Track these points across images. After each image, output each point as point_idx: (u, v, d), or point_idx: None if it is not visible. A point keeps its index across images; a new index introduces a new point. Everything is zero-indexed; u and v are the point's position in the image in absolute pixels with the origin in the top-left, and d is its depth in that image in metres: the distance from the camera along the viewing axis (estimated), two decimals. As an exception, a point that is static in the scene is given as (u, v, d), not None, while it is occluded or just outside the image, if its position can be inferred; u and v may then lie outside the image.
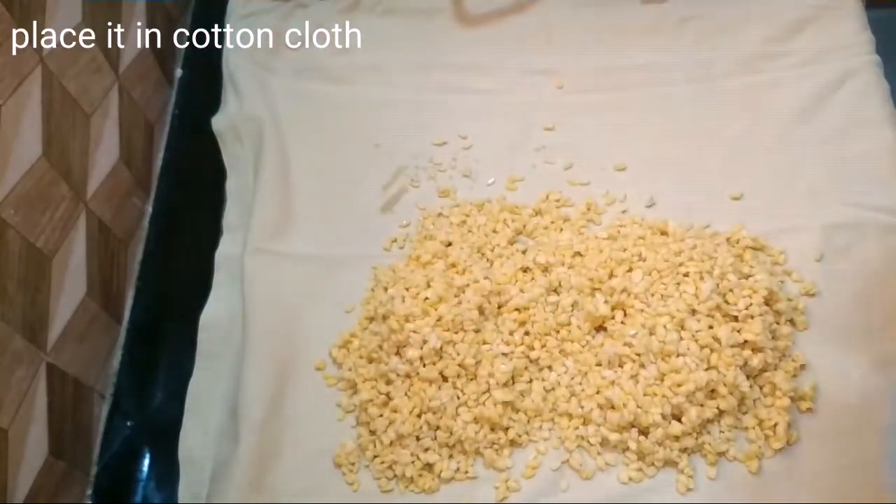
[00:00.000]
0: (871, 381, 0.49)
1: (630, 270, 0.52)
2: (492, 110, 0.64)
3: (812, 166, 0.58)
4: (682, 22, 0.67)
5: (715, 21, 0.67)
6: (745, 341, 0.49)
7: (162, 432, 0.52)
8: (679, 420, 0.48)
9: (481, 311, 0.52)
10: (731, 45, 0.65)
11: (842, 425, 0.48)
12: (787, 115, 0.60)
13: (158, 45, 0.69)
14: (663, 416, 0.48)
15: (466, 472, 0.48)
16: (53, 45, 0.52)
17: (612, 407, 0.49)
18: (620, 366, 0.50)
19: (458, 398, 0.50)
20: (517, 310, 0.52)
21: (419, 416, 0.49)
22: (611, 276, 0.52)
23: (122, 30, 0.63)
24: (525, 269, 0.54)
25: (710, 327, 0.50)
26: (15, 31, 0.47)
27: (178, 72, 0.71)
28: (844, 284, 0.53)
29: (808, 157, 0.58)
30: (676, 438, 0.48)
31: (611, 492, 0.48)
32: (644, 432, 0.48)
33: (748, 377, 0.49)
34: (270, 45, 0.68)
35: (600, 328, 0.52)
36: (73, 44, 0.55)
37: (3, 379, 0.45)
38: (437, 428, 0.49)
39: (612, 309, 0.51)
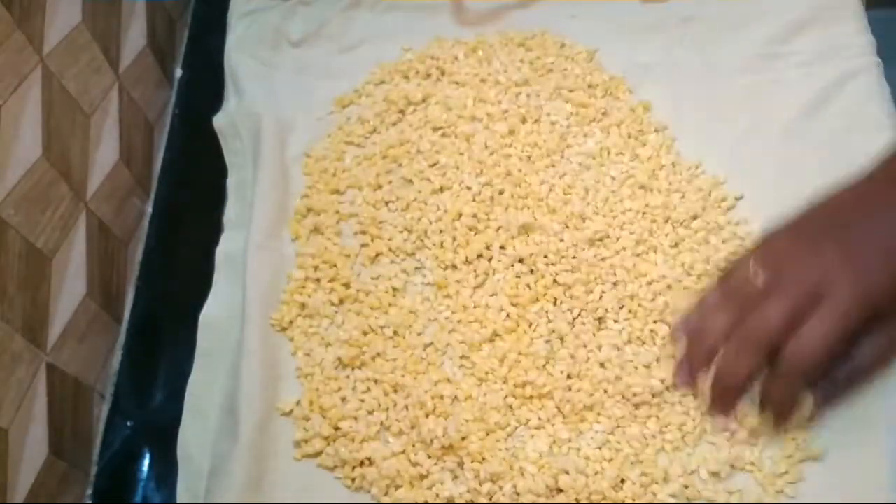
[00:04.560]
0: (870, 381, 0.49)
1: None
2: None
3: (812, 167, 0.57)
4: (684, 22, 0.67)
5: (716, 21, 0.67)
6: None
7: (162, 432, 0.52)
8: None
9: None
10: (732, 46, 0.65)
11: (841, 425, 0.48)
12: (787, 116, 0.60)
13: (158, 45, 0.69)
14: None
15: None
16: (53, 45, 0.52)
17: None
18: None
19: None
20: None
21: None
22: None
23: (123, 30, 0.63)
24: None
25: None
26: (15, 31, 0.47)
27: (178, 72, 0.71)
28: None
29: (809, 159, 0.58)
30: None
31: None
32: None
33: None
34: (272, 43, 0.68)
35: None
36: (73, 44, 0.55)
37: (3, 379, 0.45)
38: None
39: None
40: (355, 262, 0.56)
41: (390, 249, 0.56)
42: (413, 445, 0.49)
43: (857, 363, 0.46)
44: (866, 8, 0.65)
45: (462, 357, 0.51)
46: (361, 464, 0.49)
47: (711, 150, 0.60)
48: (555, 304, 0.53)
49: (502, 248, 0.55)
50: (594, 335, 0.51)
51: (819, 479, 0.47)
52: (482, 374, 0.51)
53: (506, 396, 0.50)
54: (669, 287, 0.52)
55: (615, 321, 0.52)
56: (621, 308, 0.52)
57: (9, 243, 0.46)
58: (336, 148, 0.62)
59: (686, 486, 0.46)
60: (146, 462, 0.52)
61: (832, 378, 0.46)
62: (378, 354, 0.52)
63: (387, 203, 0.58)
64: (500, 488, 0.47)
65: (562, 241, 0.54)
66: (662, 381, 0.49)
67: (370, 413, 0.50)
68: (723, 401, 0.47)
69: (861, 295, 0.44)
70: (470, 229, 0.56)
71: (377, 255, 0.56)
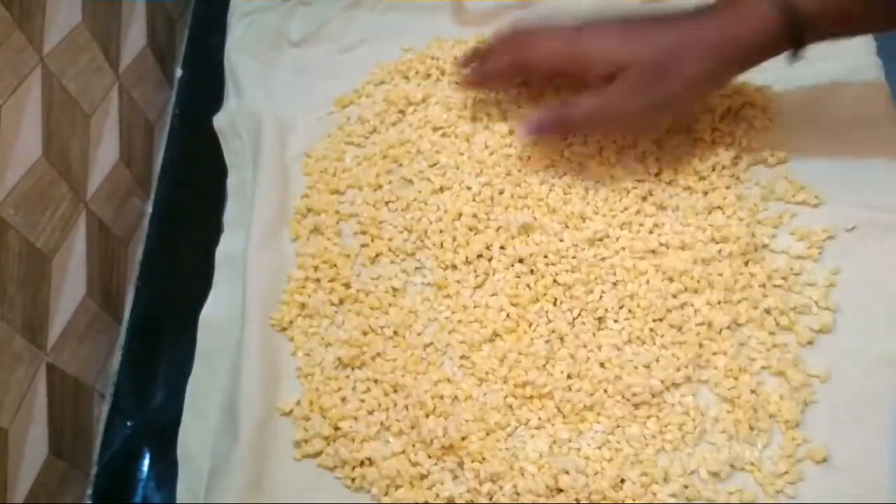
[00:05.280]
0: (871, 381, 0.49)
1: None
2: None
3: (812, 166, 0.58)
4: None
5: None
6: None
7: (162, 432, 0.52)
8: None
9: None
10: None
11: (842, 425, 0.48)
12: (788, 115, 0.60)
13: (158, 45, 0.69)
14: None
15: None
16: (53, 45, 0.52)
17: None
18: None
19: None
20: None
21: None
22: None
23: (123, 30, 0.63)
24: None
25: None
26: (15, 31, 0.47)
27: (178, 72, 0.71)
28: (845, 284, 0.53)
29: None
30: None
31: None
32: None
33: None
34: (272, 43, 0.69)
35: None
36: (73, 44, 0.55)
37: (3, 379, 0.45)
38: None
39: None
40: (355, 262, 0.56)
41: (390, 249, 0.56)
42: (413, 445, 0.49)
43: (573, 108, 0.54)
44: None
45: (462, 357, 0.52)
46: (361, 464, 0.49)
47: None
48: (555, 304, 0.53)
49: (502, 248, 0.55)
50: (594, 335, 0.51)
51: (819, 479, 0.47)
52: (482, 374, 0.51)
53: (506, 396, 0.50)
54: (696, 292, 0.52)
55: (615, 321, 0.52)
56: (621, 308, 0.52)
57: (9, 243, 0.46)
58: (336, 148, 0.62)
59: (686, 486, 0.47)
60: (146, 462, 0.52)
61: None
62: (378, 354, 0.52)
63: (387, 203, 0.58)
64: (501, 488, 0.47)
65: (562, 241, 0.54)
66: (662, 382, 0.49)
67: (370, 413, 0.50)
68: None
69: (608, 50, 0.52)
70: (470, 229, 0.56)
71: (377, 255, 0.56)
